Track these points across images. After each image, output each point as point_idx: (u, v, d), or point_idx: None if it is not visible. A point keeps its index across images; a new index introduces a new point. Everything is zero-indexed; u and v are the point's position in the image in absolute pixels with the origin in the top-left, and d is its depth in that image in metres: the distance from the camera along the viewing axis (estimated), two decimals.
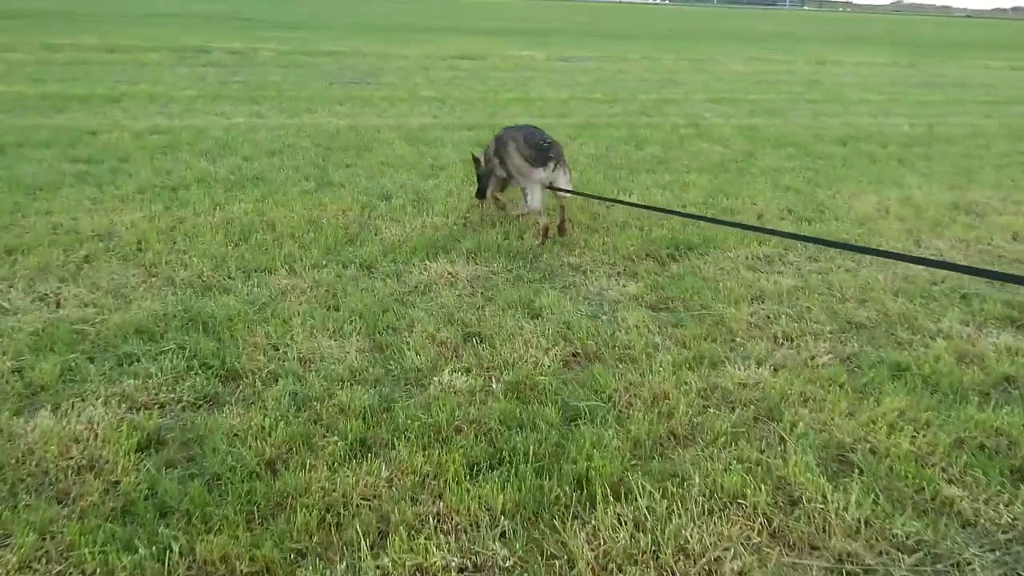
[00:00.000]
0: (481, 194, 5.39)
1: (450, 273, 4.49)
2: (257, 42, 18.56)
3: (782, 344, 3.77)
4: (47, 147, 7.10)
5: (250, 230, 5.02)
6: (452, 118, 9.80)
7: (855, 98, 13.65)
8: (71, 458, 2.63)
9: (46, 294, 3.94)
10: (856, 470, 2.74)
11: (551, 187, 4.96)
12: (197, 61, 14.59)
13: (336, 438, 2.79)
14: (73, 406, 2.94)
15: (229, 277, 4.29)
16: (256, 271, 4.39)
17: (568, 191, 5.05)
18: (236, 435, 2.80)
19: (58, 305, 3.83)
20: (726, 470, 2.68)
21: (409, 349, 3.50)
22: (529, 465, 2.66)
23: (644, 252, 5.00)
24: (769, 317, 4.04)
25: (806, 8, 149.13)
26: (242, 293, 4.06)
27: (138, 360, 3.30)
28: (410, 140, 8.17)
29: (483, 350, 3.55)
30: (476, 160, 5.47)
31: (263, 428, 2.83)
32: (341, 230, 5.12)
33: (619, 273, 4.65)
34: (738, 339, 3.79)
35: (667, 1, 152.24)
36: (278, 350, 3.48)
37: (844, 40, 33.13)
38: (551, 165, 4.84)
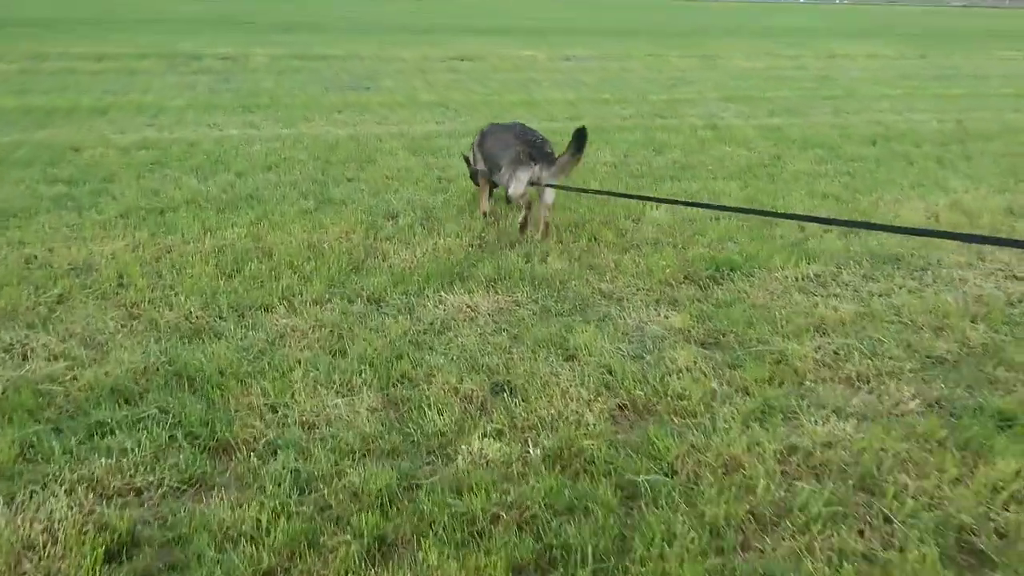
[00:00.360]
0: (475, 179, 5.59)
1: (469, 306, 3.98)
2: (250, 46, 18.02)
3: (858, 387, 3.26)
4: (26, 166, 6.59)
5: (244, 259, 4.51)
6: (456, 124, 9.29)
7: (873, 93, 13.13)
8: (22, 575, 2.12)
9: (11, 344, 3.44)
10: (988, 563, 2.23)
11: (536, 184, 4.88)
12: (188, 68, 14.07)
13: (349, 537, 2.28)
14: (31, 496, 2.44)
15: (220, 317, 3.79)
16: (251, 308, 3.89)
17: (553, 185, 4.94)
18: (227, 534, 2.29)
19: (24, 358, 3.33)
20: (834, 569, 2.17)
21: (429, 407, 2.99)
22: (588, 569, 2.15)
23: (682, 274, 4.50)
24: (838, 353, 3.54)
25: (802, 2, 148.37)
26: (235, 337, 3.56)
27: (112, 432, 2.79)
28: (414, 149, 7.66)
29: (515, 405, 3.05)
30: (467, 160, 5.66)
31: (259, 524, 2.32)
32: (345, 256, 4.61)
33: (658, 301, 4.14)
34: (807, 382, 3.29)
35: None
36: (277, 412, 2.97)
37: (848, 33, 32.57)
38: (538, 163, 4.82)
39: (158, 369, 3.24)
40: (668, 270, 4.52)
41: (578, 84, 13.40)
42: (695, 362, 3.43)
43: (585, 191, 5.36)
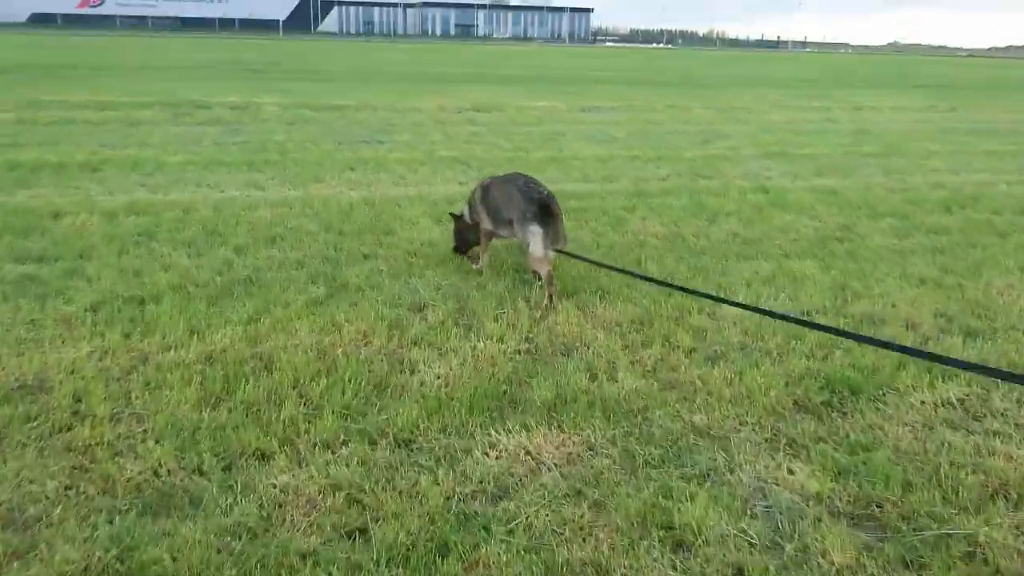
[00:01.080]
0: (458, 250, 5.48)
1: (529, 453, 3.03)
2: (260, 95, 17.38)
3: None
4: None
5: (237, 375, 3.58)
6: None
7: (918, 150, 12.30)
8: None
9: None
10: None
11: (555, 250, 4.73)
12: (193, 119, 13.34)
13: None
14: None
15: (199, 471, 2.84)
16: (241, 457, 2.93)
17: (562, 252, 4.81)
18: None
19: None
20: None
21: None
22: None
23: (790, 399, 3.54)
24: None
25: (808, 50, 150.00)
26: (217, 509, 2.60)
27: None
28: (437, 217, 6.77)
29: None
30: (455, 217, 5.49)
31: None
32: (364, 370, 3.67)
33: (771, 442, 3.18)
34: None
35: (668, 45, 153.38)
36: None
37: (862, 83, 32.08)
38: (549, 221, 4.59)
39: (104, 572, 2.27)
40: (772, 392, 3.56)
41: (607, 138, 12.61)
42: (853, 555, 2.45)
43: (610, 268, 4.45)
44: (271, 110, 14.80)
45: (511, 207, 4.71)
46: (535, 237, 4.55)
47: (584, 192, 8.17)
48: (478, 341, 4.10)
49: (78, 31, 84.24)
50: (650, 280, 4.56)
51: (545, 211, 4.55)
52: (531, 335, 4.22)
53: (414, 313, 4.50)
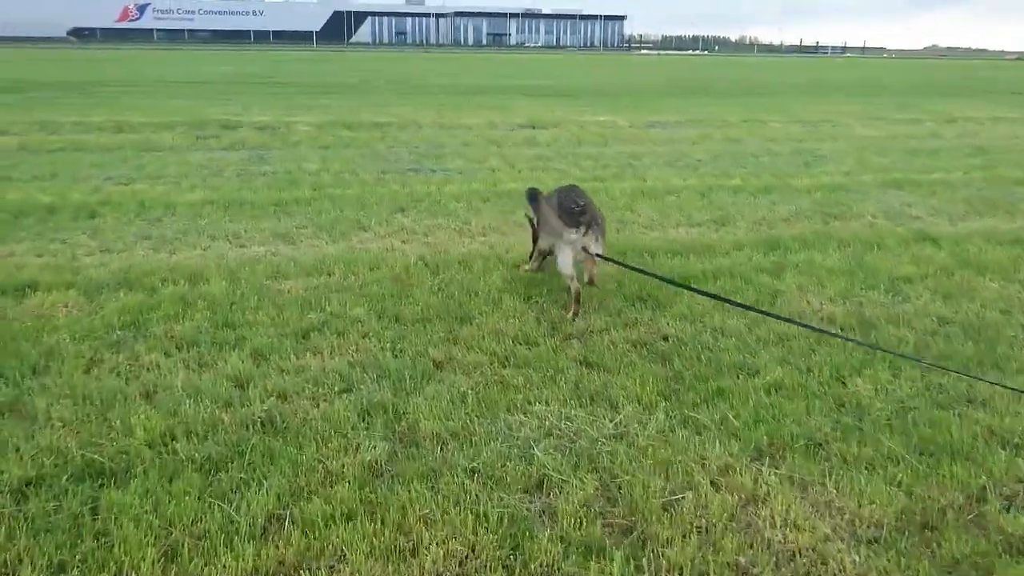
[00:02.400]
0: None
1: None
2: (292, 112, 15.87)
3: None
4: None
5: None
6: None
7: None
8: None
9: None
10: None
11: (584, 250, 4.59)
12: (219, 142, 11.80)
13: None
14: None
15: None
16: None
17: (600, 256, 4.70)
18: None
19: None
20: None
21: None
22: None
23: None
24: None
25: (847, 55, 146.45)
26: None
27: None
28: (523, 285, 5.03)
29: None
30: (530, 220, 5.24)
31: None
32: None
33: None
34: None
35: (704, 52, 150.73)
36: None
37: (940, 91, 29.80)
38: (582, 228, 4.48)
39: None
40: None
41: (691, 162, 10.79)
42: None
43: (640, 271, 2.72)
44: (304, 131, 13.22)
45: (551, 219, 4.65)
46: (564, 250, 4.54)
47: (698, 243, 6.38)
48: (652, 557, 2.33)
49: (116, 45, 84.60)
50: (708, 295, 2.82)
51: (577, 222, 4.46)
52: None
53: (531, 501, 2.75)
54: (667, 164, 10.62)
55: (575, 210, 4.49)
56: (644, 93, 24.47)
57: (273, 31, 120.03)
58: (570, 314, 4.52)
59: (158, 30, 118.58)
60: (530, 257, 5.33)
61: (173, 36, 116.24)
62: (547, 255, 5.03)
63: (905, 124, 16.50)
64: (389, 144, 12.03)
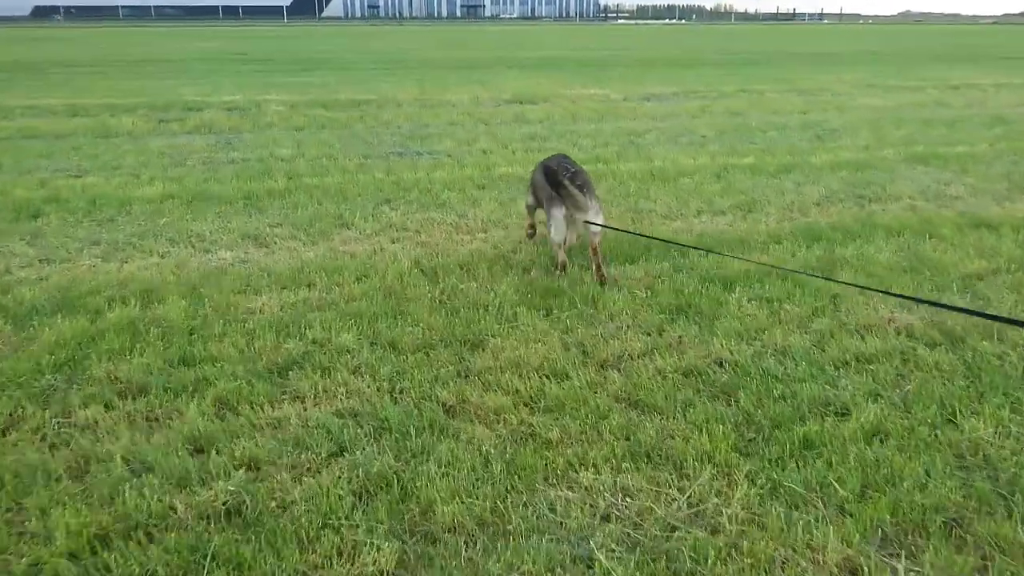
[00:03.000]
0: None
1: None
2: (265, 91, 14.85)
3: None
4: None
5: None
6: None
7: None
8: None
9: None
10: None
11: (586, 222, 4.48)
12: (182, 125, 10.83)
13: None
14: None
15: None
16: None
17: (599, 224, 4.53)
18: None
19: None
20: None
21: None
22: None
23: None
24: None
25: (825, 22, 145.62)
26: None
27: None
28: (535, 296, 4.26)
29: None
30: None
31: None
32: None
33: None
34: None
35: (681, 21, 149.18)
36: None
37: (934, 58, 29.12)
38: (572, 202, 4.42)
39: None
40: None
41: (694, 138, 10.01)
42: None
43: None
44: (277, 111, 12.27)
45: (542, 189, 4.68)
46: (554, 221, 4.53)
47: (729, 236, 5.62)
48: None
49: (81, 23, 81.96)
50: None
51: (566, 191, 4.42)
52: None
53: None
54: (671, 141, 9.83)
55: (567, 178, 4.44)
56: (631, 64, 23.56)
57: (242, 7, 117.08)
58: (557, 272, 4.64)
59: (123, 7, 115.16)
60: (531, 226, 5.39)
61: (140, 13, 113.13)
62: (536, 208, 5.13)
63: (907, 92, 15.79)
64: (370, 124, 11.13)
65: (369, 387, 3.29)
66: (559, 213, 4.49)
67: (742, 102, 13.84)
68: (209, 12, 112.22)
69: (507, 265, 4.90)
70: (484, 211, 6.31)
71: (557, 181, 4.45)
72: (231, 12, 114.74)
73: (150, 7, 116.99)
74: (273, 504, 2.51)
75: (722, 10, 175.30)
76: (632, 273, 4.71)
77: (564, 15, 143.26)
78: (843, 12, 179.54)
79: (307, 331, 3.84)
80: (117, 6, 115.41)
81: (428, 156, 8.76)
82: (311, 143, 9.46)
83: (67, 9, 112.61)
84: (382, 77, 18.37)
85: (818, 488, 2.60)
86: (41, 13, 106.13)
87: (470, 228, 5.86)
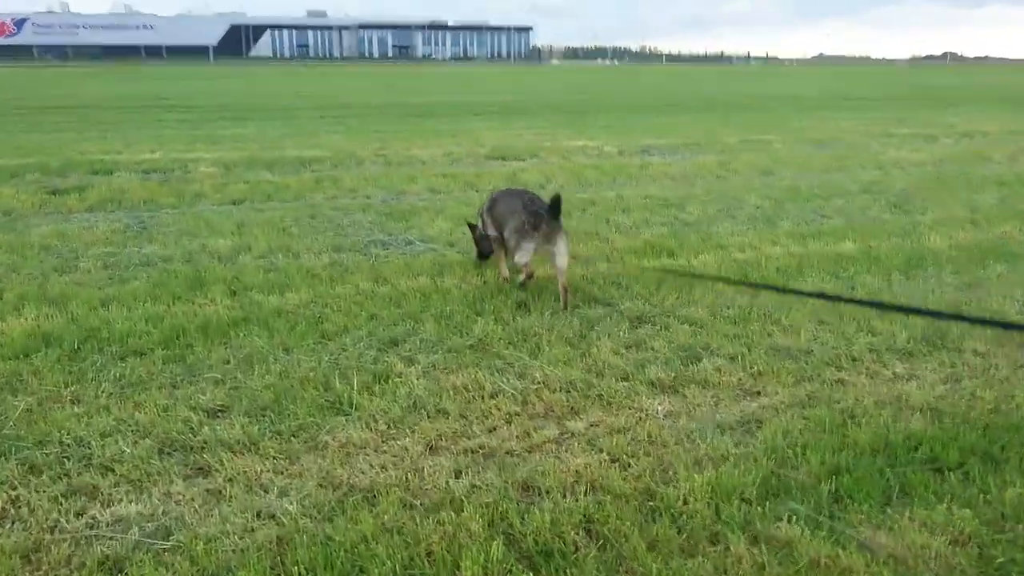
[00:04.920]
0: (481, 256, 5.56)
1: None
2: (192, 146, 12.27)
3: None
4: None
5: None
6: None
7: None
8: None
9: None
10: None
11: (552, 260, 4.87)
12: (81, 200, 8.22)
13: None
14: None
15: None
16: None
17: (564, 259, 4.83)
18: None
19: None
20: None
21: None
22: None
23: None
24: None
25: (753, 63, 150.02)
26: None
27: None
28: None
29: None
30: (472, 227, 5.56)
31: None
32: None
33: None
34: None
35: (614, 62, 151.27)
36: None
37: (907, 100, 28.31)
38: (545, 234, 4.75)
39: None
40: None
41: (749, 210, 7.96)
42: None
43: None
44: (207, 173, 9.75)
45: (512, 218, 4.87)
46: (524, 251, 4.81)
47: (961, 410, 3.40)
48: None
49: None
50: None
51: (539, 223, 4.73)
52: None
53: None
54: (727, 216, 7.71)
55: (540, 214, 4.75)
56: (603, 109, 21.72)
57: (166, 46, 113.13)
58: (520, 280, 4.98)
59: (38, 46, 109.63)
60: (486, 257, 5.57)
61: (57, 52, 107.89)
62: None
63: (925, 141, 14.24)
64: (330, 193, 8.69)
65: None
66: (529, 245, 4.77)
67: (760, 156, 11.92)
68: (132, 52, 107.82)
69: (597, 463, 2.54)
70: (562, 369, 3.94)
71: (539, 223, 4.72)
72: (155, 52, 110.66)
73: (66, 47, 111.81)
74: None
75: (647, 51, 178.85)
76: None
77: (496, 55, 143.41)
78: (768, 55, 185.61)
79: None
80: (31, 45, 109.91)
81: (424, 246, 6.39)
82: (257, 227, 6.97)
83: None
84: (329, 127, 15.94)
85: None
86: None
87: (553, 410, 3.49)
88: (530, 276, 4.93)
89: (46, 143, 12.55)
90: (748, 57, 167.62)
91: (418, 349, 4.17)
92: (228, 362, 4.00)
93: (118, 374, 3.81)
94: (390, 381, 3.76)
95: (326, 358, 4.03)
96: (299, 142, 12.99)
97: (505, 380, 3.77)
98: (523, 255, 4.80)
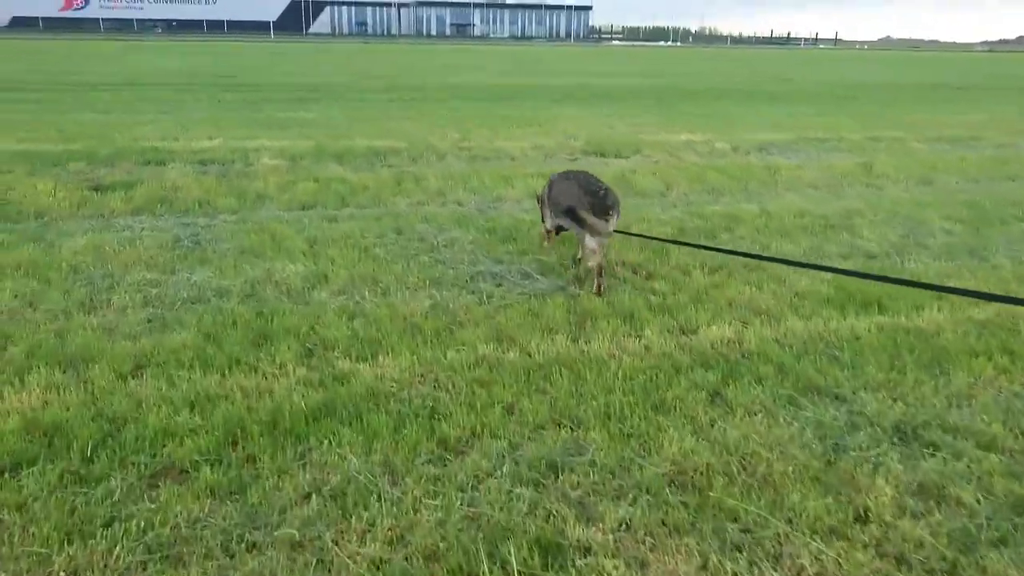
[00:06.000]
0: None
1: None
2: (254, 131, 11.04)
3: None
4: None
5: None
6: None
7: None
8: None
9: None
10: None
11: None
12: (127, 199, 7.05)
13: None
14: None
15: None
16: None
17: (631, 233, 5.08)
18: None
19: None
20: None
21: None
22: None
23: None
24: None
25: (821, 47, 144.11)
26: None
27: None
28: None
29: None
30: (539, 200, 5.47)
31: None
32: None
33: None
34: None
35: (676, 43, 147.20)
36: None
37: (1011, 91, 25.80)
38: (611, 214, 4.66)
39: None
40: None
41: (943, 238, 6.30)
42: None
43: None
44: (271, 167, 8.53)
45: (570, 200, 4.75)
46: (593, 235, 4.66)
47: None
48: None
49: (59, 35, 77.84)
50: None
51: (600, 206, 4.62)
52: None
53: None
54: (913, 242, 6.10)
55: (601, 195, 4.66)
56: (687, 96, 19.90)
57: (228, 21, 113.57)
58: (595, 288, 4.68)
59: (105, 19, 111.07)
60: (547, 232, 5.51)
61: (121, 26, 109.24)
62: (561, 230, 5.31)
63: None
64: (413, 197, 7.30)
65: None
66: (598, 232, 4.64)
67: (903, 159, 10.15)
68: (194, 26, 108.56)
69: None
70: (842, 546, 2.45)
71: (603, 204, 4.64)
72: (216, 27, 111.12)
73: (132, 20, 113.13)
74: None
75: (706, 33, 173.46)
76: None
77: (555, 35, 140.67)
78: (837, 38, 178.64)
79: None
80: (98, 19, 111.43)
81: (546, 283, 4.93)
82: (333, 244, 5.61)
83: (46, 20, 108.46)
84: (400, 111, 14.56)
85: None
86: (20, 24, 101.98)
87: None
88: (600, 273, 4.73)
89: (96, 125, 11.44)
90: (816, 39, 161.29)
91: (591, 487, 2.73)
92: (308, 497, 2.62)
93: (145, 521, 2.46)
94: (566, 559, 2.32)
95: (456, 502, 2.61)
96: (369, 129, 11.64)
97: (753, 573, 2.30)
98: (593, 241, 4.67)
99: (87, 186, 7.43)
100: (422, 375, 3.59)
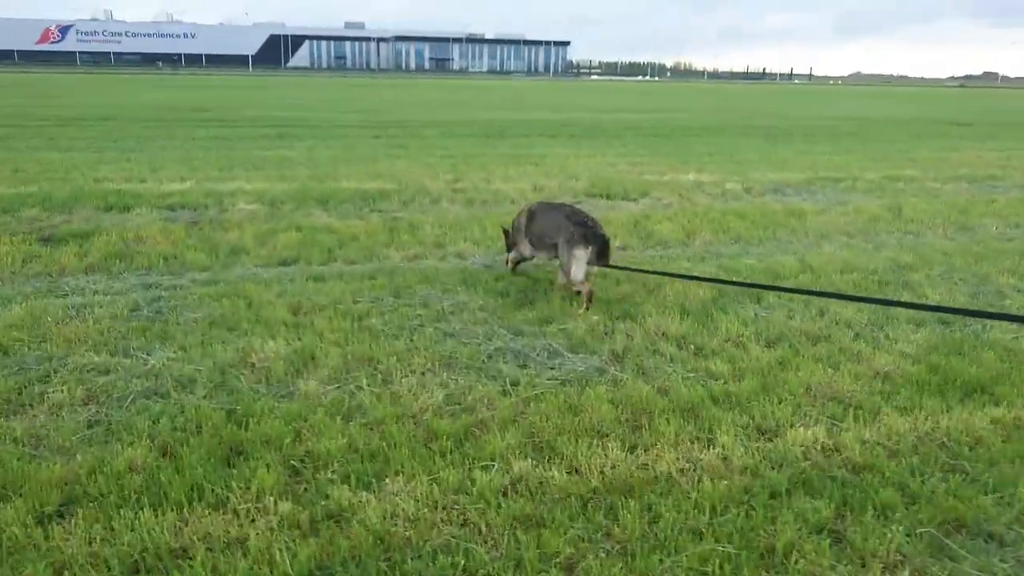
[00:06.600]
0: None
1: None
2: (230, 171, 10.20)
3: None
4: None
5: None
6: None
7: None
8: None
9: None
10: None
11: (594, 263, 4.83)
12: (80, 255, 6.19)
13: None
14: None
15: None
16: None
17: (607, 266, 4.93)
18: None
19: None
20: None
21: None
22: None
23: None
24: None
25: (796, 82, 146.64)
26: None
27: None
28: None
29: None
30: (506, 232, 5.55)
31: None
32: None
33: None
34: None
35: (654, 78, 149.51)
36: None
37: (1002, 127, 25.65)
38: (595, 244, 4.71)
39: None
40: None
41: (1010, 301, 5.51)
42: None
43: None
44: (248, 213, 7.65)
45: (557, 232, 4.82)
46: (579, 263, 4.73)
47: None
48: None
49: (34, 68, 76.82)
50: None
51: (592, 236, 4.70)
52: None
53: None
54: (987, 305, 5.30)
55: (588, 225, 4.74)
56: (686, 132, 19.35)
57: (206, 55, 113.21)
58: (582, 309, 4.74)
59: (82, 53, 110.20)
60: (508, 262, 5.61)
61: (99, 59, 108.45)
62: (524, 260, 5.51)
63: None
64: (409, 250, 6.47)
65: None
66: (582, 253, 4.70)
67: (931, 202, 9.51)
68: (171, 60, 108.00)
69: None
70: None
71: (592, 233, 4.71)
72: (194, 60, 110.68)
73: (109, 54, 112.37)
74: None
75: (682, 68, 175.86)
76: None
77: (533, 69, 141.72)
78: (811, 73, 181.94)
79: None
80: (75, 52, 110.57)
81: (583, 365, 4.10)
82: (321, 313, 4.76)
83: (21, 53, 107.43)
84: (387, 149, 13.78)
85: None
86: None
87: None
88: (590, 298, 4.78)
89: (57, 165, 10.52)
90: (791, 75, 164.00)
91: None
92: None
93: None
94: None
95: None
96: (356, 169, 10.83)
97: None
98: (579, 272, 4.73)
99: (37, 237, 6.52)
100: (445, 509, 2.72)
